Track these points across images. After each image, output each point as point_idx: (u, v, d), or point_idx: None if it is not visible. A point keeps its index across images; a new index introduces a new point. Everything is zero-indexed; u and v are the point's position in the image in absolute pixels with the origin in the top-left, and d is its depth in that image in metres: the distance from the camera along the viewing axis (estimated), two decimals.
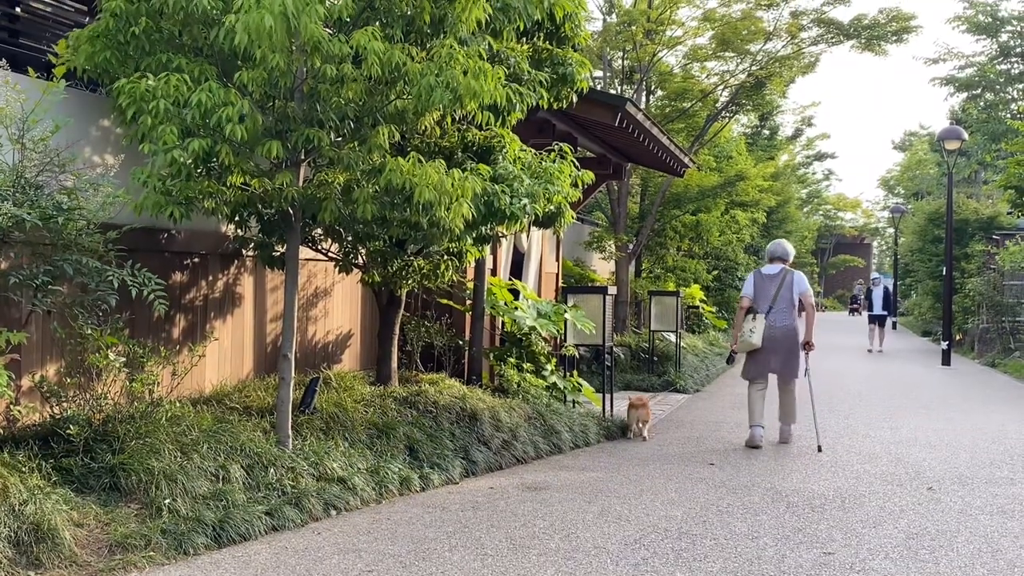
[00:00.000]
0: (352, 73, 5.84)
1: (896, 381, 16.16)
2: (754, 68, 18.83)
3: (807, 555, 5.49)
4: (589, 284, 15.89)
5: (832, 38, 18.95)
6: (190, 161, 5.66)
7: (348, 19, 5.94)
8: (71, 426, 5.54)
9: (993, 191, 31.49)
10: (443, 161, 6.28)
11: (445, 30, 6.29)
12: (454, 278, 8.76)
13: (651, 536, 5.79)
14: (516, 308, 10.01)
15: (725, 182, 20.06)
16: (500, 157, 7.57)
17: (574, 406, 9.93)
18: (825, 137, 51.32)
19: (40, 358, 5.99)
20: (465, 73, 5.91)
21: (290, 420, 6.48)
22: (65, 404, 5.80)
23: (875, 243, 65.90)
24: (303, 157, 6.36)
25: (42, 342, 5.99)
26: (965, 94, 30.43)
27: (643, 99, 19.06)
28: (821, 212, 55.50)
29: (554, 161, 7.79)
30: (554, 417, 8.85)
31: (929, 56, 37.57)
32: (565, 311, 10.08)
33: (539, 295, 11.94)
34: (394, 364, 8.53)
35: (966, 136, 21.39)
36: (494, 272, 10.60)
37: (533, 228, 10.42)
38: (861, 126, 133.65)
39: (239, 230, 7.12)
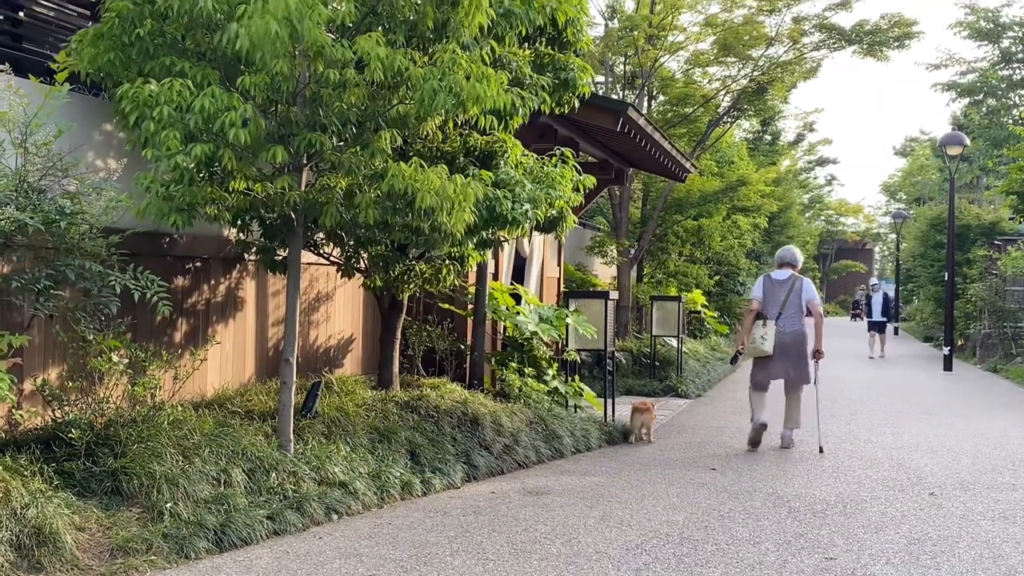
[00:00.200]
0: (355, 78, 5.85)
1: (898, 386, 16.15)
2: (756, 73, 18.85)
3: (809, 560, 5.48)
4: (591, 289, 15.89)
5: (834, 43, 18.97)
6: (192, 166, 5.67)
7: (351, 24, 5.95)
8: (73, 430, 5.54)
9: (995, 197, 31.46)
10: (445, 166, 6.29)
11: (448, 35, 6.30)
12: (456, 283, 8.77)
13: (653, 541, 5.79)
14: (518, 313, 10.01)
15: (727, 187, 20.07)
16: (502, 162, 7.57)
17: (576, 411, 9.93)
18: (827, 143, 51.38)
19: (42, 362, 6.00)
20: (468, 78, 5.92)
21: (292, 424, 6.49)
22: (67, 408, 5.81)
23: (877, 248, 65.87)
24: (305, 162, 6.36)
25: (44, 346, 5.99)
26: (967, 100, 30.46)
27: (645, 104, 19.07)
28: (823, 217, 55.51)
29: (556, 166, 7.80)
30: (556, 422, 8.85)
31: (931, 62, 37.68)
32: (567, 316, 10.08)
33: (541, 300, 11.94)
34: (396, 368, 8.54)
35: (968, 142, 21.39)
36: (496, 277, 10.60)
37: (535, 233, 10.43)
38: (863, 131, 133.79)
39: (241, 234, 7.13)
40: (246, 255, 7.59)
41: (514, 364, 9.77)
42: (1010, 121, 28.12)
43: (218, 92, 5.57)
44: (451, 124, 7.28)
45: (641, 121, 10.75)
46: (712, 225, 21.05)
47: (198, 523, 5.27)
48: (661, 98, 20.10)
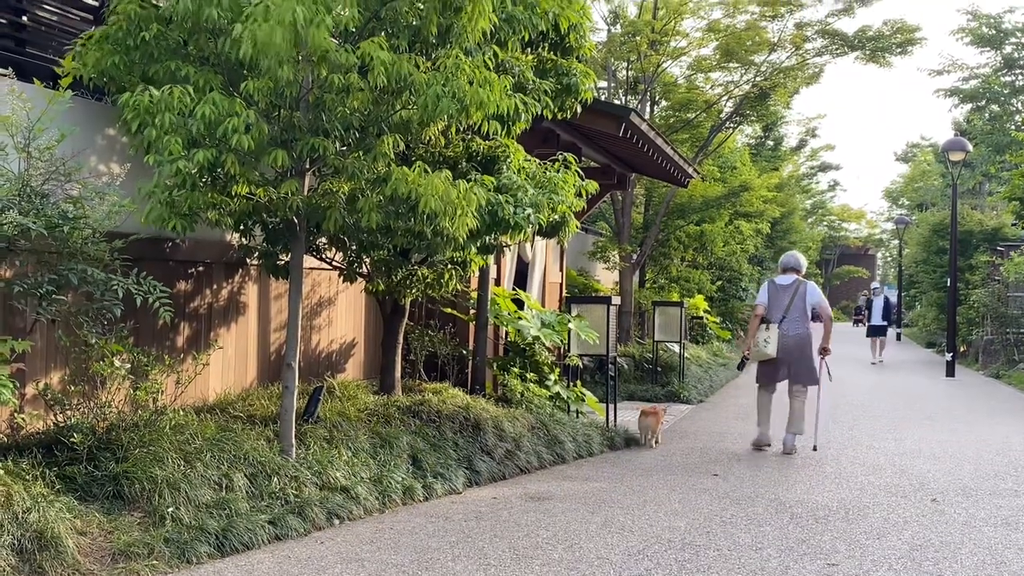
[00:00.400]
0: (358, 83, 5.85)
1: (900, 392, 16.13)
2: (758, 79, 18.86)
3: (811, 566, 5.48)
4: (593, 294, 15.89)
5: (836, 49, 18.97)
6: (195, 171, 5.67)
7: (354, 29, 5.96)
8: (75, 434, 5.54)
9: (997, 202, 31.46)
10: (448, 171, 6.29)
11: (451, 40, 6.31)
12: (458, 287, 8.77)
13: (654, 547, 5.78)
14: (520, 318, 10.01)
15: (729, 193, 20.07)
16: (504, 167, 7.58)
17: (577, 416, 9.92)
18: (830, 148, 51.24)
19: (44, 366, 6.00)
20: (471, 83, 5.93)
21: (293, 429, 6.49)
22: (69, 412, 5.81)
23: (879, 254, 65.82)
24: (308, 166, 6.37)
25: (46, 350, 5.99)
26: (970, 105, 30.46)
27: (647, 109, 19.08)
28: (825, 223, 55.48)
29: (558, 171, 7.81)
30: (557, 427, 8.84)
31: (934, 68, 37.63)
32: (569, 321, 10.08)
33: (543, 305, 11.94)
34: (398, 373, 8.54)
35: (970, 148, 21.39)
36: (498, 282, 10.60)
37: (537, 238, 10.43)
38: (866, 137, 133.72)
39: (244, 239, 7.13)
40: (248, 260, 7.59)
41: (516, 369, 9.77)
42: (1012, 127, 28.10)
43: (219, 99, 5.58)
44: (454, 129, 7.29)
45: (643, 126, 10.75)
46: (714, 230, 21.06)
47: (200, 528, 5.27)
48: (663, 103, 20.11)
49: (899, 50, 18.94)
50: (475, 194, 6.27)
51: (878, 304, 23.55)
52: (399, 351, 8.59)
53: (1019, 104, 29.19)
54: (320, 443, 6.71)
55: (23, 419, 5.66)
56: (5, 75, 5.63)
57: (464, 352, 9.98)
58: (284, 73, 5.57)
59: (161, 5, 5.85)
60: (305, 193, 6.32)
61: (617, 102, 17.71)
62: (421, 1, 6.20)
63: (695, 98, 19.26)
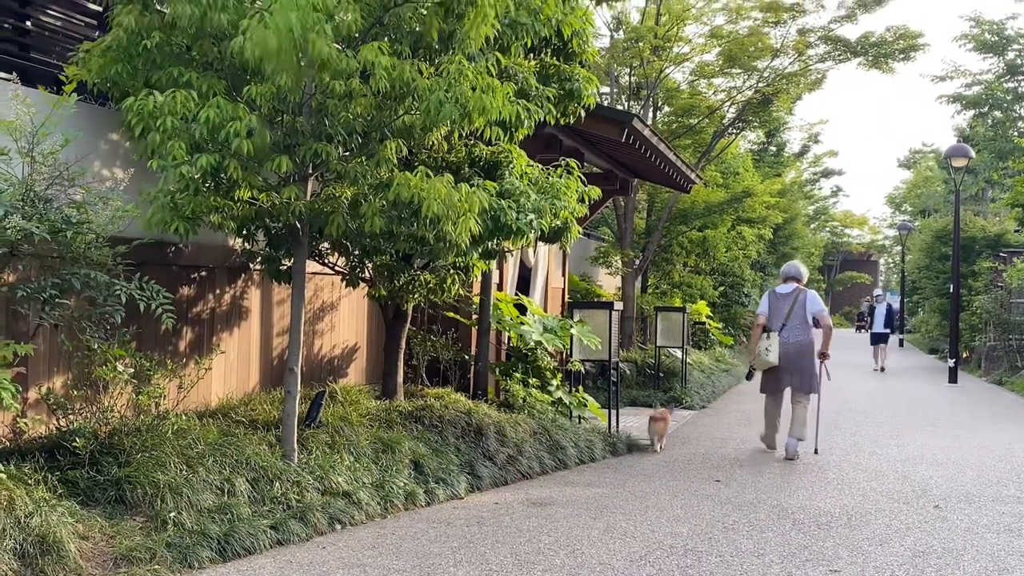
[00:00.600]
0: (360, 88, 5.86)
1: (903, 398, 16.12)
2: (761, 85, 18.86)
3: (813, 573, 5.47)
4: (595, 299, 15.88)
5: (839, 55, 18.98)
6: (198, 176, 5.68)
7: (357, 35, 5.97)
8: (77, 438, 5.55)
9: (1000, 209, 31.42)
10: (451, 176, 6.30)
11: (453, 46, 6.32)
12: (460, 292, 8.77)
13: (656, 553, 5.78)
14: (522, 323, 10.01)
15: (732, 198, 20.07)
16: (507, 172, 7.59)
17: (580, 421, 9.92)
18: (833, 154, 51.39)
19: (47, 371, 6.01)
20: (474, 89, 5.94)
21: (296, 434, 6.49)
22: (71, 416, 5.81)
23: (882, 260, 65.80)
24: (311, 171, 6.38)
25: (49, 355, 6.00)
26: (972, 112, 30.43)
27: (650, 115, 19.09)
28: (828, 229, 55.44)
29: (561, 176, 7.81)
30: (559, 432, 8.84)
31: (936, 74, 37.63)
32: (571, 326, 10.08)
33: (545, 310, 11.95)
34: (400, 378, 8.54)
35: (973, 154, 21.38)
36: (500, 287, 10.61)
37: (540, 243, 10.44)
38: (868, 143, 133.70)
39: (246, 244, 7.14)
40: (251, 265, 7.60)
41: (518, 374, 9.77)
42: (1015, 133, 28.06)
43: (223, 103, 5.59)
44: (456, 134, 7.30)
45: (646, 132, 10.76)
46: (717, 236, 21.05)
47: (202, 532, 5.27)
48: (666, 109, 20.12)
49: (902, 56, 18.95)
50: (477, 199, 6.28)
51: (881, 311, 23.46)
52: (401, 356, 8.60)
53: (1022, 110, 29.17)
54: (322, 448, 6.71)
55: (25, 423, 5.66)
56: (9, 80, 5.64)
57: (466, 357, 9.98)
58: (286, 79, 5.58)
59: (166, 12, 5.86)
60: (308, 198, 6.33)
61: (620, 108, 17.71)
62: (423, 7, 6.22)
63: (698, 104, 19.26)
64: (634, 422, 11.45)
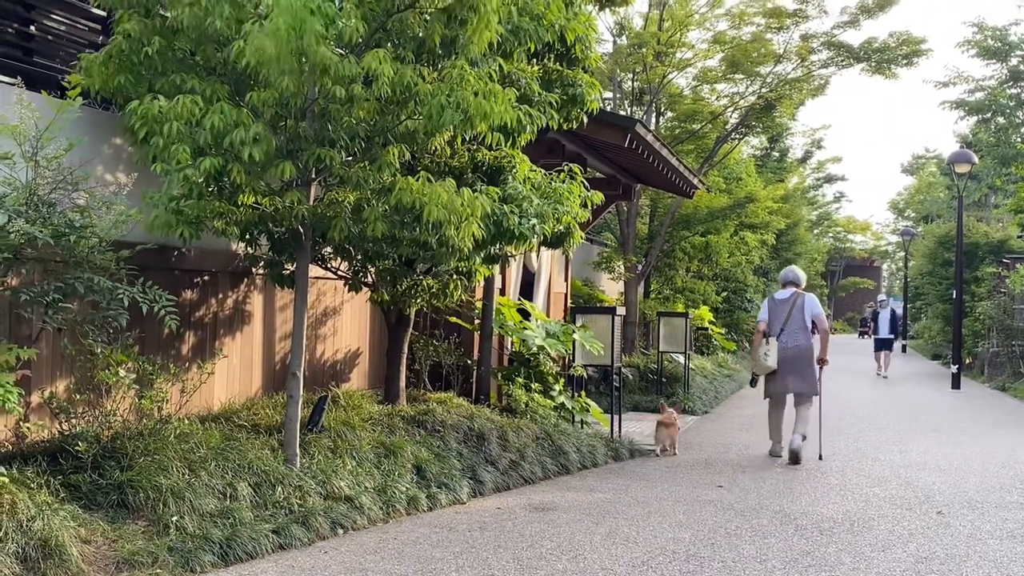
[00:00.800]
0: (362, 93, 5.87)
1: (906, 404, 16.10)
2: (764, 90, 18.88)
3: None
4: (598, 304, 15.88)
5: (842, 61, 18.99)
6: (201, 180, 5.69)
7: (360, 40, 5.98)
8: (80, 443, 5.55)
9: (1003, 215, 31.43)
10: (453, 181, 6.30)
11: (456, 51, 6.32)
12: (463, 297, 8.78)
13: (659, 558, 5.77)
14: (525, 328, 10.01)
15: (735, 204, 20.07)
16: (510, 177, 7.59)
17: (582, 426, 9.92)
18: (836, 160, 51.18)
19: (50, 375, 6.01)
20: (476, 94, 5.94)
21: (298, 438, 6.49)
22: (74, 420, 5.82)
23: (885, 266, 65.75)
24: (314, 176, 6.38)
25: (52, 359, 6.01)
26: (975, 118, 30.43)
27: (653, 120, 19.11)
28: (831, 234, 55.44)
29: (563, 181, 7.82)
30: (562, 437, 8.84)
31: (939, 79, 37.58)
32: (574, 331, 10.08)
33: (548, 315, 11.94)
34: (402, 383, 8.54)
35: (976, 160, 21.37)
36: (503, 292, 10.61)
37: (543, 248, 10.45)
38: (871, 148, 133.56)
39: (249, 248, 7.15)
40: (254, 269, 7.61)
41: (520, 379, 9.77)
42: (1018, 139, 28.07)
43: (227, 108, 5.60)
44: (459, 139, 7.30)
45: (649, 137, 10.77)
46: (720, 241, 21.05)
47: (204, 537, 5.27)
48: (669, 114, 20.13)
49: (905, 62, 18.96)
50: (480, 203, 6.28)
51: (885, 317, 23.38)
52: (404, 361, 8.60)
53: None
54: (324, 452, 6.71)
55: (28, 427, 5.66)
56: (13, 84, 5.66)
57: (469, 362, 9.98)
58: (287, 84, 5.60)
59: (168, 16, 5.87)
60: (311, 203, 6.34)
61: (623, 113, 17.72)
62: (427, 13, 6.23)
63: (701, 109, 19.27)
64: (637, 427, 11.46)
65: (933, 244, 31.75)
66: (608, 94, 18.58)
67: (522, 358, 10.15)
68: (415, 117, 6.20)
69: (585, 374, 11.06)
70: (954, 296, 21.00)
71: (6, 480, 4.89)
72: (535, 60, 7.99)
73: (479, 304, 9.78)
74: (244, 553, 5.34)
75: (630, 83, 18.90)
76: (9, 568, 4.48)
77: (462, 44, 6.27)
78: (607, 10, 15.70)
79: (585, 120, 8.25)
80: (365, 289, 8.16)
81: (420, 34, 6.28)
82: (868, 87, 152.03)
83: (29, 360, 5.27)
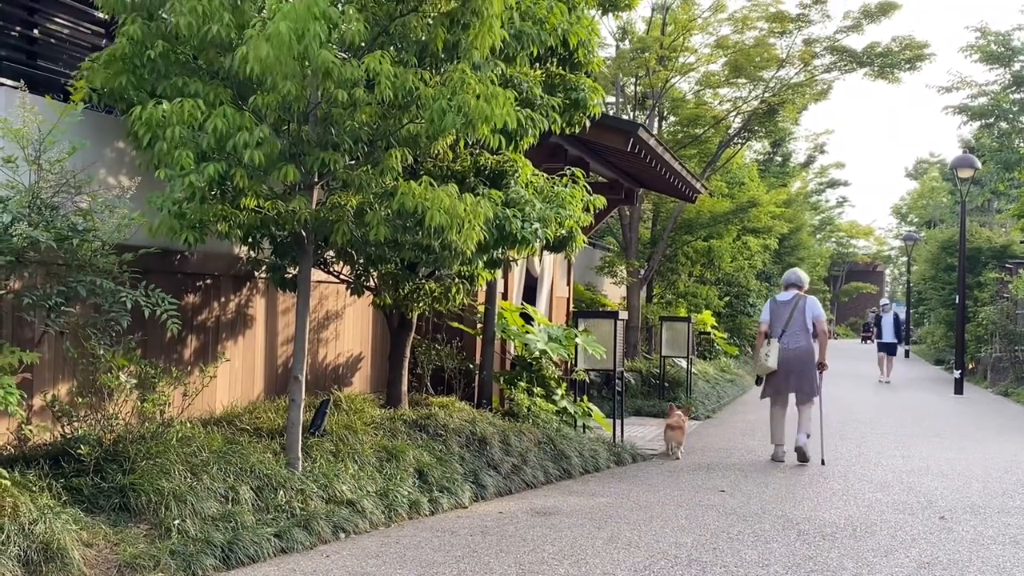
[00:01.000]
0: (364, 97, 5.87)
1: (908, 409, 16.08)
2: (767, 95, 18.87)
3: None
4: (600, 309, 15.88)
5: (845, 66, 18.98)
6: (204, 184, 5.69)
7: (362, 44, 5.99)
8: (82, 446, 5.55)
9: (1006, 220, 31.40)
10: (455, 185, 6.30)
11: (459, 55, 6.33)
12: (465, 301, 8.77)
13: (661, 563, 5.77)
14: (527, 332, 10.01)
15: (737, 208, 20.07)
16: (512, 181, 7.59)
17: (584, 431, 9.91)
18: (840, 166, 51.24)
19: (52, 378, 6.02)
20: (478, 97, 5.94)
21: (300, 442, 6.49)
22: (76, 424, 5.82)
23: (888, 271, 65.74)
24: (316, 180, 6.39)
25: (54, 362, 6.01)
26: (979, 123, 30.39)
27: (655, 125, 19.11)
28: (834, 239, 55.44)
29: (566, 186, 7.82)
30: (564, 442, 8.83)
31: (943, 84, 37.59)
32: (576, 336, 10.08)
33: (550, 319, 11.94)
34: (404, 387, 8.54)
35: (979, 165, 21.36)
36: (506, 296, 10.60)
37: (546, 252, 10.45)
38: (874, 153, 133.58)
39: (252, 252, 7.15)
40: (256, 273, 7.61)
41: (523, 383, 9.77)
42: (1021, 144, 28.04)
43: (230, 112, 5.61)
44: (462, 143, 7.31)
45: (651, 141, 10.77)
46: (722, 246, 21.05)
47: (205, 540, 5.27)
48: (672, 119, 20.13)
49: (908, 66, 18.95)
50: (482, 208, 6.28)
51: (888, 321, 23.32)
52: (406, 365, 8.60)
53: None
54: (326, 456, 6.71)
55: (30, 430, 5.66)
56: (16, 88, 5.66)
57: (471, 366, 9.97)
58: (289, 88, 5.60)
59: (171, 20, 5.87)
60: (313, 206, 6.34)
61: (625, 117, 17.72)
62: (429, 17, 6.23)
63: (703, 114, 19.28)
64: (639, 432, 11.46)
65: (936, 249, 31.72)
66: (611, 98, 18.58)
67: (524, 362, 10.15)
68: (417, 121, 6.20)
69: (587, 378, 11.06)
70: (957, 301, 20.98)
71: (8, 483, 4.89)
72: (538, 64, 7.99)
73: (481, 308, 9.78)
74: (246, 557, 5.34)
75: (633, 87, 18.91)
76: (11, 571, 4.48)
77: (465, 48, 6.28)
78: (610, 14, 15.73)
79: (587, 124, 8.25)
80: (367, 293, 8.16)
81: (423, 38, 6.29)
82: (871, 92, 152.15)
83: (31, 363, 5.27)
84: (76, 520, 5.00)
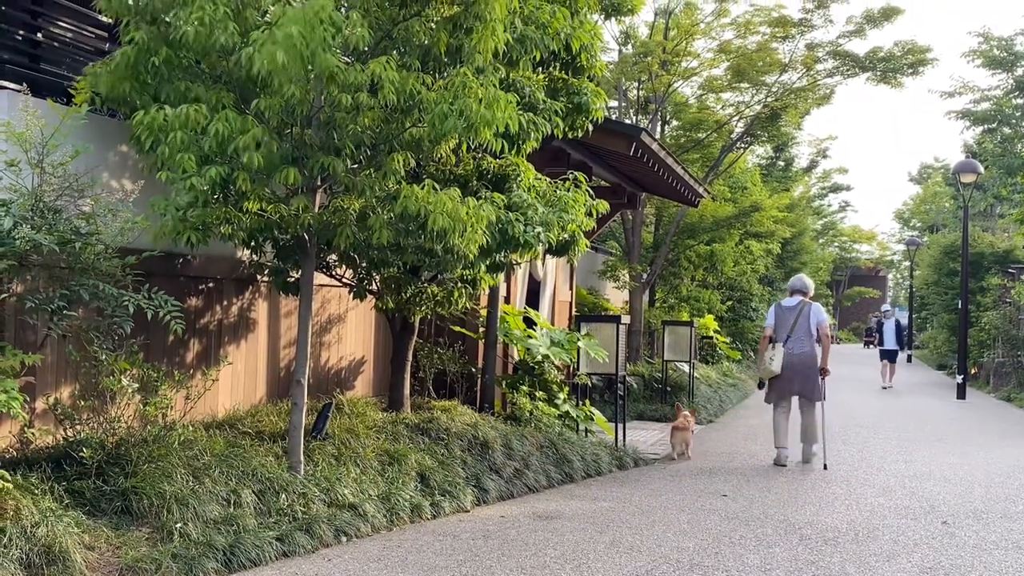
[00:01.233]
0: (368, 101, 5.88)
1: (911, 414, 16.07)
2: (769, 99, 18.88)
3: None
4: (603, 313, 15.88)
5: (848, 70, 18.99)
6: (207, 188, 5.70)
7: (366, 48, 5.99)
8: (84, 449, 5.55)
9: (1009, 225, 31.36)
10: (458, 189, 6.31)
11: (462, 59, 6.34)
12: (468, 305, 8.78)
13: (662, 567, 5.76)
14: (529, 336, 10.01)
15: (740, 213, 20.08)
16: (515, 185, 7.60)
17: (586, 435, 9.91)
18: (843, 171, 51.12)
19: (55, 381, 6.02)
20: (480, 102, 5.95)
21: (302, 445, 6.49)
22: (79, 427, 5.81)
23: (890, 275, 65.68)
24: (319, 183, 6.39)
25: (57, 365, 6.01)
26: (981, 128, 30.38)
27: (658, 129, 19.11)
28: (836, 244, 55.38)
29: (568, 190, 7.82)
30: (566, 446, 8.83)
31: (945, 89, 37.53)
32: (578, 340, 10.08)
33: (553, 323, 11.94)
34: (406, 391, 8.54)
35: (982, 170, 21.35)
36: (508, 300, 10.61)
37: (548, 256, 10.45)
38: (877, 158, 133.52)
39: (254, 255, 7.15)
40: (259, 276, 7.62)
41: (525, 387, 9.77)
42: None
43: (232, 116, 5.62)
44: (464, 147, 7.31)
45: (654, 146, 10.77)
46: (725, 250, 21.04)
47: (207, 543, 5.27)
48: (674, 123, 20.14)
49: (910, 71, 18.96)
50: (485, 211, 6.29)
51: (889, 327, 23.30)
52: (408, 368, 8.60)
53: None
54: (328, 460, 6.71)
55: (33, 433, 5.66)
56: (19, 91, 5.67)
57: (473, 370, 9.98)
58: (293, 92, 5.61)
59: (175, 25, 5.88)
60: (316, 210, 6.34)
61: (628, 121, 17.74)
62: (432, 21, 6.24)
63: (706, 118, 19.29)
64: (641, 436, 11.45)
65: (938, 254, 31.70)
66: (613, 103, 18.59)
67: (527, 366, 10.15)
68: (419, 125, 6.21)
69: (590, 383, 11.06)
70: (959, 306, 20.96)
71: (10, 486, 4.90)
72: (540, 68, 8.00)
73: (484, 312, 9.78)
74: (248, 560, 5.34)
75: (635, 92, 18.91)
76: (13, 574, 4.48)
77: (467, 52, 6.29)
78: (612, 19, 15.75)
79: (590, 128, 8.25)
80: (370, 297, 8.17)
81: (426, 42, 6.30)
82: (874, 96, 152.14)
83: (34, 366, 5.28)
84: (78, 523, 5.00)
